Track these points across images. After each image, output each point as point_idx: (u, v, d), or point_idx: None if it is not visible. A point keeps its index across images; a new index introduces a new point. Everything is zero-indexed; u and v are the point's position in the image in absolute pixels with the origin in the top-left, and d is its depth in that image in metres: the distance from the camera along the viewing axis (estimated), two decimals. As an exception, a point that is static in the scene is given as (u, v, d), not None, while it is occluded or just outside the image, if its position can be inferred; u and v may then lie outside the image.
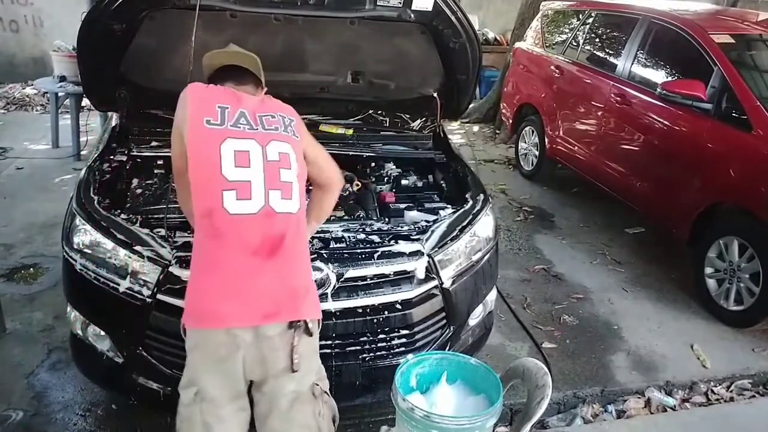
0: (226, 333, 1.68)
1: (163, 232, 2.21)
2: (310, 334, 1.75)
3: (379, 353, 2.26)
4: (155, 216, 2.38)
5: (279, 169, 1.76)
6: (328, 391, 1.89)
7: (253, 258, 1.69)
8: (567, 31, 5.59)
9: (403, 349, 2.28)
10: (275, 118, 1.84)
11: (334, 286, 2.13)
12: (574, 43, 5.33)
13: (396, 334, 2.27)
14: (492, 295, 2.69)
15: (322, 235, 2.29)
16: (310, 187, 2.08)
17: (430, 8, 2.63)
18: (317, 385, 1.83)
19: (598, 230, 4.75)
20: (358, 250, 2.24)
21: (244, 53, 1.96)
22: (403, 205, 2.69)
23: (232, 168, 1.70)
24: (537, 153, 5.66)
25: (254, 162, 1.73)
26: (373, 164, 3.00)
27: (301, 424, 1.79)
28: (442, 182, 2.95)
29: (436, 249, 2.33)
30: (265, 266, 1.71)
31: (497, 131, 7.26)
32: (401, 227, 2.45)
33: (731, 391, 3.06)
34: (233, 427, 1.76)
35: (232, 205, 1.69)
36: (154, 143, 2.78)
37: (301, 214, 1.82)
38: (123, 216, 2.28)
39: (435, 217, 2.53)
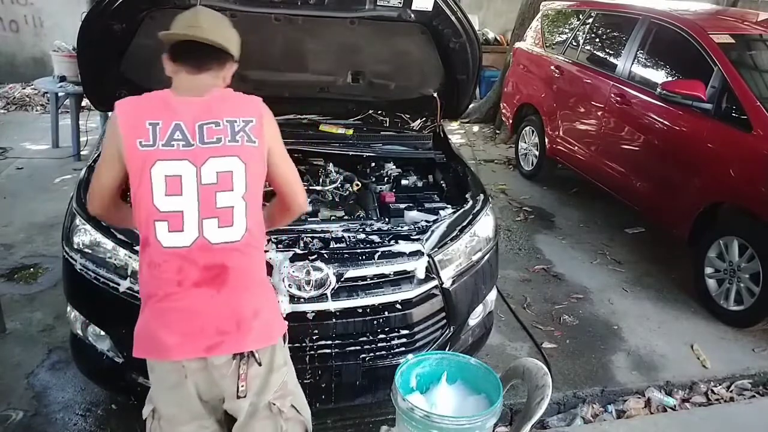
0: (171, 364, 1.63)
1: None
2: (260, 364, 1.64)
3: (379, 353, 2.26)
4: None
5: (215, 193, 1.56)
6: (298, 407, 1.81)
7: (193, 290, 1.58)
8: (567, 31, 5.59)
9: (403, 349, 2.28)
10: (220, 126, 1.57)
11: (334, 286, 2.13)
12: (574, 43, 5.33)
13: (396, 334, 2.27)
14: (492, 295, 2.69)
15: (322, 235, 2.29)
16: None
17: (430, 8, 2.63)
18: (274, 404, 1.71)
19: (598, 230, 4.75)
20: (358, 250, 2.24)
21: (205, 22, 1.62)
22: (403, 205, 2.69)
23: (163, 197, 1.53)
24: (537, 153, 5.66)
25: (187, 188, 1.54)
26: (373, 164, 3.00)
27: None
28: (442, 182, 2.95)
29: (436, 249, 2.33)
30: (207, 297, 1.59)
31: (497, 131, 7.26)
32: (401, 227, 2.45)
33: (731, 391, 3.06)
34: None
35: (165, 238, 1.56)
36: (154, 143, 2.78)
37: (250, 237, 1.62)
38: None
39: (435, 217, 2.53)
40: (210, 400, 1.69)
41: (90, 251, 2.19)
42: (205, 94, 1.60)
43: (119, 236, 2.15)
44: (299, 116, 3.10)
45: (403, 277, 2.25)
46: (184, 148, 1.54)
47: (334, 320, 2.16)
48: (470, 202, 2.61)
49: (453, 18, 2.69)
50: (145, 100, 1.59)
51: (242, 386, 1.63)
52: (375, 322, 2.22)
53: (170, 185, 1.54)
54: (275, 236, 2.23)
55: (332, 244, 2.25)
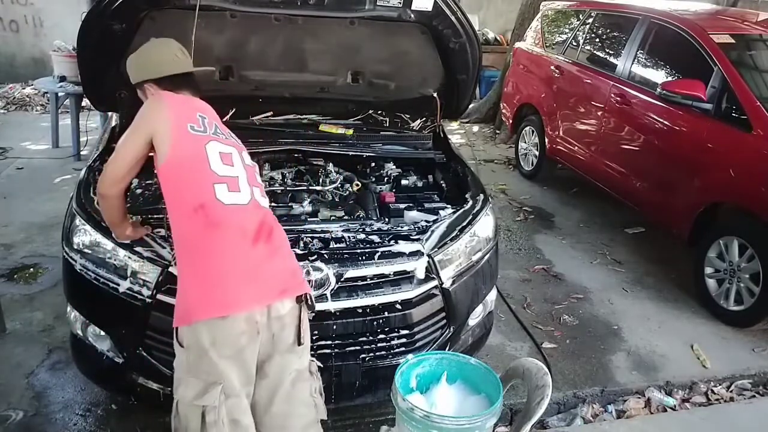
0: (246, 320, 1.72)
1: (163, 232, 2.21)
2: (311, 308, 1.88)
3: (379, 353, 2.26)
4: (155, 216, 2.38)
5: (254, 172, 1.97)
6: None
7: (255, 244, 1.79)
8: (567, 31, 5.60)
9: (403, 349, 2.28)
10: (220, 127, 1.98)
11: (334, 287, 2.13)
12: (574, 43, 5.33)
13: (396, 334, 2.27)
14: (492, 295, 2.69)
15: (322, 235, 2.29)
16: None
17: (430, 8, 2.63)
18: (312, 361, 1.96)
19: (598, 230, 4.75)
20: (358, 250, 2.24)
21: (183, 56, 2.05)
22: (403, 205, 2.69)
23: (220, 165, 1.83)
24: (537, 153, 5.66)
25: (236, 163, 1.89)
26: (373, 164, 3.00)
27: (302, 402, 1.89)
28: (442, 182, 2.95)
29: (436, 249, 2.33)
30: (267, 250, 1.82)
31: (497, 131, 7.26)
32: (401, 227, 2.45)
33: (731, 391, 3.06)
34: (250, 417, 1.80)
35: (226, 197, 1.79)
36: (154, 143, 2.78)
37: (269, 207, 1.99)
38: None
39: (435, 217, 2.53)
40: (259, 364, 1.81)
41: (90, 251, 2.19)
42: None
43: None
44: (299, 116, 3.11)
45: (403, 277, 2.25)
46: (227, 139, 1.93)
47: (333, 320, 2.16)
48: (470, 202, 2.61)
49: (453, 18, 2.69)
50: (187, 98, 1.98)
51: (303, 331, 1.85)
52: (375, 322, 2.22)
53: (224, 158, 1.85)
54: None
55: (332, 244, 2.25)
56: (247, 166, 1.93)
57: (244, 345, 1.73)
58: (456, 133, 7.15)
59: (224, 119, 2.89)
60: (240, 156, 1.93)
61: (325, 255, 2.17)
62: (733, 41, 3.93)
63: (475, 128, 7.53)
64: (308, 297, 1.87)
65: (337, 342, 2.20)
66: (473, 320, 2.57)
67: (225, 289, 1.72)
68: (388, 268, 2.22)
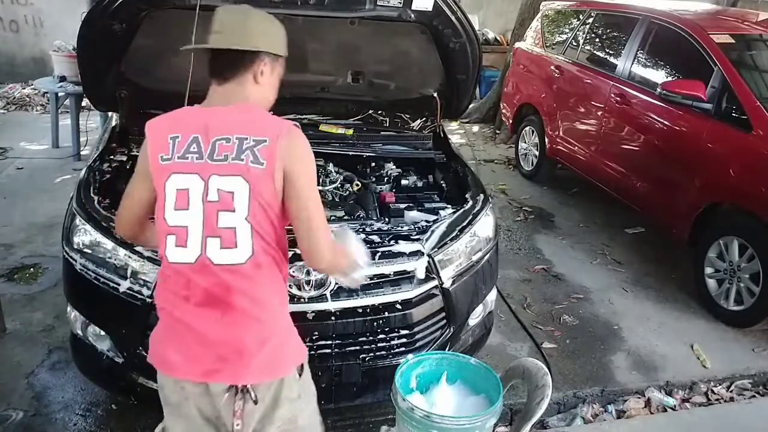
0: (174, 382, 1.56)
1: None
2: (255, 402, 1.52)
3: (379, 353, 2.26)
4: (155, 216, 2.38)
5: (218, 212, 1.46)
6: None
7: (198, 309, 1.50)
8: (567, 31, 5.59)
9: (403, 349, 2.28)
10: (230, 142, 1.47)
11: (334, 287, 2.13)
12: (574, 43, 5.33)
13: (396, 334, 2.27)
14: (492, 295, 2.69)
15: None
16: None
17: (430, 8, 2.63)
18: None
19: (598, 230, 4.75)
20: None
21: (220, 25, 1.55)
22: (403, 205, 2.69)
23: (173, 211, 1.49)
24: (537, 153, 5.66)
25: (193, 202, 1.48)
26: (373, 164, 3.00)
27: None
28: (442, 182, 2.95)
29: (436, 249, 2.33)
30: (211, 320, 1.50)
31: (497, 131, 7.26)
32: (401, 227, 2.44)
33: (731, 391, 3.06)
34: None
35: (172, 253, 1.50)
36: (154, 143, 2.78)
37: (258, 261, 1.49)
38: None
39: (435, 217, 2.53)
40: (216, 423, 1.58)
41: (90, 251, 2.18)
42: (231, 104, 1.54)
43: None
44: (299, 116, 3.10)
45: (403, 277, 2.25)
46: (197, 161, 1.48)
47: (333, 320, 2.16)
48: (470, 202, 2.61)
49: (453, 18, 2.69)
50: (171, 115, 1.56)
51: (237, 424, 1.52)
52: (375, 322, 2.22)
53: (179, 199, 1.49)
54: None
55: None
56: (208, 204, 1.46)
57: (175, 402, 1.58)
58: (456, 133, 7.15)
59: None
60: (204, 188, 1.47)
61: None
62: (733, 41, 3.93)
63: (475, 128, 7.53)
64: (246, 390, 1.51)
65: (337, 342, 2.19)
66: (473, 320, 2.57)
67: (157, 347, 1.59)
68: (388, 268, 2.22)
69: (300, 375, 1.63)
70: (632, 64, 4.50)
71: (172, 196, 1.49)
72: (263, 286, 1.53)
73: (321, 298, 2.11)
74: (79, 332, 2.30)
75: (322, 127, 3.00)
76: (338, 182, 2.79)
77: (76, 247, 2.21)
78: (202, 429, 1.59)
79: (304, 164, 1.52)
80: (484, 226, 2.55)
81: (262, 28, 1.57)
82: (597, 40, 5.28)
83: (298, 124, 1.57)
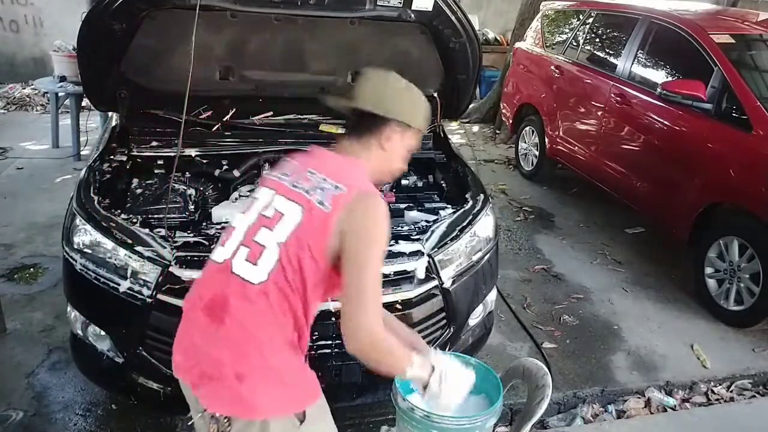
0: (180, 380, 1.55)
1: (163, 232, 2.21)
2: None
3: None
4: (155, 216, 2.38)
5: (262, 226, 1.47)
6: None
7: (201, 315, 1.47)
8: (567, 31, 5.59)
9: (403, 349, 2.28)
10: (314, 176, 1.49)
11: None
12: (574, 43, 5.33)
13: (396, 334, 2.27)
14: (492, 295, 2.69)
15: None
16: None
17: (430, 8, 2.63)
18: None
19: (598, 230, 4.75)
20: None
21: (362, 88, 1.60)
22: (403, 205, 2.69)
23: (239, 213, 1.56)
24: (537, 153, 5.66)
25: (252, 210, 1.52)
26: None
27: None
28: (442, 182, 2.95)
29: (436, 249, 2.33)
30: (208, 331, 1.45)
31: (497, 131, 7.26)
32: (401, 227, 2.44)
33: (731, 391, 3.06)
34: None
35: (215, 250, 1.54)
36: (154, 143, 2.78)
37: (267, 291, 1.41)
38: (123, 216, 2.28)
39: (435, 217, 2.53)
40: None
41: (90, 251, 2.18)
42: (345, 155, 1.57)
43: (119, 236, 2.14)
44: (299, 116, 3.11)
45: (403, 277, 2.25)
46: (282, 179, 1.53)
47: (334, 320, 2.16)
48: (470, 202, 2.61)
49: (453, 18, 2.69)
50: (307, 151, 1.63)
51: None
52: (375, 322, 2.21)
53: (248, 204, 1.56)
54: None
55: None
56: (259, 217, 1.49)
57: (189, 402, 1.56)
58: (456, 133, 7.15)
59: (224, 119, 2.92)
60: (267, 203, 1.50)
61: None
62: (733, 41, 3.93)
63: (475, 128, 7.53)
64: (217, 419, 1.43)
65: (337, 342, 2.19)
66: (473, 320, 2.57)
67: (175, 342, 1.56)
68: (388, 268, 2.21)
69: (301, 422, 1.47)
70: (632, 64, 4.50)
71: (248, 202, 1.57)
72: (260, 317, 1.43)
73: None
74: (79, 332, 2.30)
75: (322, 127, 3.00)
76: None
77: (76, 247, 2.21)
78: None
79: (369, 229, 1.44)
80: (484, 226, 2.55)
81: (400, 96, 1.60)
82: (597, 40, 5.28)
83: (384, 193, 1.55)
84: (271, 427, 1.43)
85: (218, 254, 1.52)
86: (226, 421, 1.43)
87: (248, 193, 2.65)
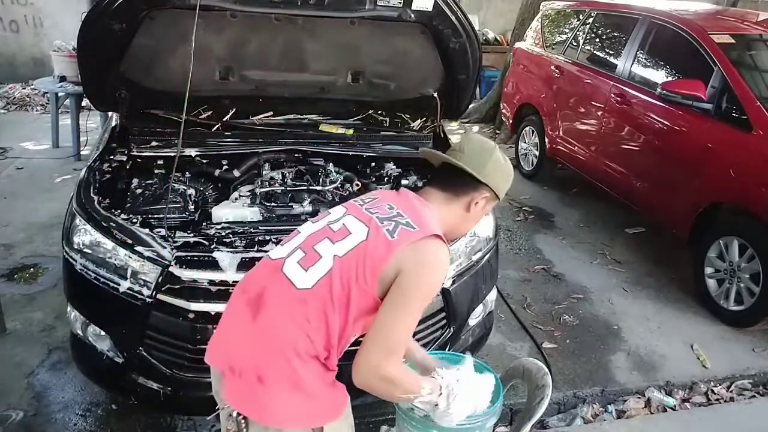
0: (212, 370, 1.56)
1: (163, 232, 2.21)
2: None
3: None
4: (155, 216, 2.38)
5: (325, 237, 1.49)
6: None
7: (243, 306, 1.49)
8: (567, 31, 5.59)
9: (403, 349, 2.28)
10: (392, 209, 1.52)
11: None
12: (574, 43, 5.33)
13: (396, 334, 2.27)
14: (492, 295, 2.69)
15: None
16: None
17: (430, 8, 2.63)
18: None
19: (598, 230, 4.75)
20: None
21: (467, 148, 1.63)
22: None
23: (310, 223, 1.60)
24: (537, 153, 5.66)
25: (320, 222, 1.56)
26: (373, 164, 3.00)
27: None
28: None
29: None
30: (245, 322, 1.46)
31: (497, 131, 7.26)
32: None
33: (731, 391, 3.06)
34: None
35: (274, 248, 1.59)
36: (154, 143, 2.78)
37: (308, 302, 1.42)
38: (123, 216, 2.28)
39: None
40: None
41: (90, 251, 2.18)
42: (427, 203, 1.58)
43: (119, 236, 2.14)
44: (299, 116, 3.11)
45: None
46: (358, 205, 1.57)
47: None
48: (470, 202, 2.60)
49: (453, 18, 2.69)
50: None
51: None
52: (375, 322, 2.21)
53: (319, 216, 1.62)
54: (275, 236, 2.23)
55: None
56: (323, 228, 1.52)
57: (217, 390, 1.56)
58: (456, 133, 7.14)
59: (224, 119, 2.92)
60: (336, 219, 1.54)
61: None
62: (733, 41, 3.93)
63: (475, 128, 7.53)
64: (237, 418, 1.44)
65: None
66: (473, 320, 2.57)
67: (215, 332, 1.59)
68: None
69: None
70: (632, 64, 4.50)
71: (322, 214, 1.62)
72: (291, 323, 1.42)
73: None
74: (79, 332, 2.30)
75: (322, 127, 3.00)
76: (338, 182, 2.79)
77: (76, 247, 2.21)
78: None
79: (425, 275, 1.44)
80: (484, 226, 2.54)
81: (499, 168, 1.63)
82: (597, 40, 5.28)
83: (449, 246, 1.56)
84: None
85: (275, 252, 1.56)
86: (243, 420, 1.44)
87: (248, 193, 2.65)
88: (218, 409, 1.58)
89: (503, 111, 6.46)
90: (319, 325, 1.43)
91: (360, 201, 1.60)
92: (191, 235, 2.28)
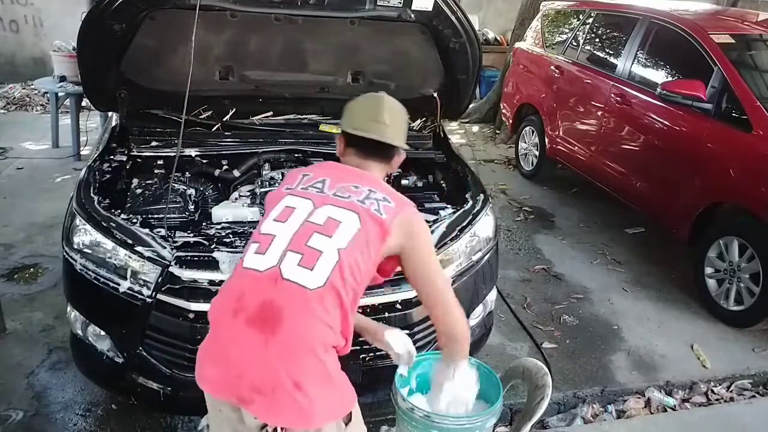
0: (213, 399, 1.53)
1: (163, 232, 2.21)
2: None
3: (379, 353, 2.25)
4: (155, 216, 2.38)
5: (314, 232, 1.50)
6: None
7: (244, 327, 1.45)
8: (567, 31, 5.59)
9: (403, 349, 2.28)
10: (358, 189, 1.59)
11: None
12: (574, 43, 5.33)
13: (396, 334, 2.27)
14: (492, 295, 2.69)
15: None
16: None
17: (430, 8, 2.63)
18: None
19: (598, 230, 4.75)
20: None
21: (388, 118, 1.73)
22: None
23: (271, 221, 1.56)
24: (537, 153, 5.66)
25: (294, 218, 1.54)
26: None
27: None
28: (442, 182, 2.94)
29: (436, 249, 2.32)
30: (254, 344, 1.43)
31: (497, 131, 7.26)
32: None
33: (731, 391, 3.06)
34: None
35: (249, 258, 1.52)
36: (154, 143, 2.78)
37: (323, 296, 1.45)
38: (123, 216, 2.28)
39: (435, 217, 2.53)
40: None
41: (90, 251, 2.18)
42: (375, 175, 1.73)
43: (119, 236, 2.14)
44: (299, 116, 3.11)
45: (403, 277, 2.24)
46: (316, 193, 1.60)
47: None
48: (470, 202, 2.61)
49: (453, 18, 2.69)
50: (316, 165, 1.82)
51: None
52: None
53: (282, 213, 1.58)
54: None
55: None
56: (306, 224, 1.52)
57: (212, 416, 1.57)
58: (456, 133, 7.15)
59: (224, 119, 2.92)
60: (311, 212, 1.55)
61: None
62: (733, 41, 3.93)
63: (475, 128, 7.53)
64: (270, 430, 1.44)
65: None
66: (473, 320, 2.57)
67: (200, 359, 1.54)
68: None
69: (347, 423, 1.55)
70: (632, 64, 4.50)
71: (277, 210, 1.59)
72: (314, 322, 1.45)
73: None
74: (79, 332, 2.30)
75: (322, 127, 3.00)
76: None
77: (76, 247, 2.21)
78: None
79: (422, 239, 1.66)
80: (484, 226, 2.54)
81: (406, 128, 1.83)
82: (597, 40, 5.28)
83: None
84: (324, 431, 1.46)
85: (257, 262, 1.50)
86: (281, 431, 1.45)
87: (248, 193, 2.65)
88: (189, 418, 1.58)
89: (503, 111, 6.46)
90: (337, 315, 1.48)
91: (315, 187, 1.63)
92: (191, 235, 2.28)
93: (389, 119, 1.73)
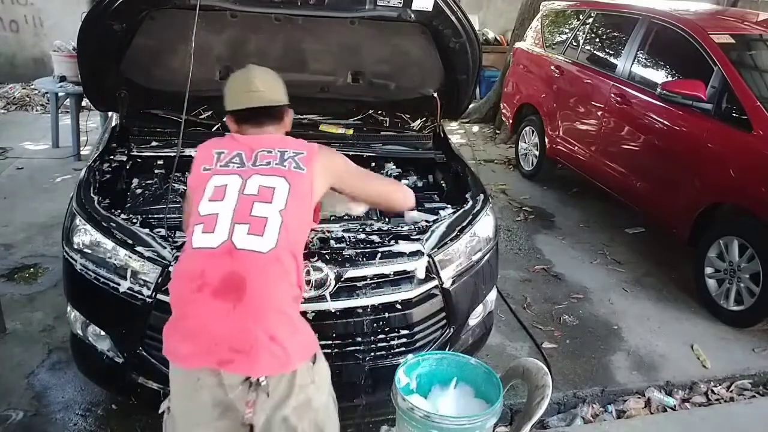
0: (187, 372, 1.62)
1: (163, 232, 2.21)
2: (267, 395, 1.57)
3: (379, 353, 2.26)
4: (155, 216, 2.38)
5: (253, 202, 1.64)
6: (320, 425, 1.72)
7: (211, 300, 1.56)
8: (567, 31, 5.60)
9: (403, 349, 2.28)
10: (272, 153, 1.74)
11: (334, 287, 2.13)
12: (574, 43, 5.33)
13: (396, 334, 2.27)
14: (492, 295, 2.69)
15: (322, 235, 2.29)
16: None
17: (430, 8, 2.63)
18: (288, 419, 1.62)
19: (598, 230, 4.75)
20: (358, 250, 2.24)
21: (261, 84, 1.83)
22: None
23: (207, 202, 1.67)
24: (537, 153, 5.66)
25: (229, 195, 1.66)
26: (373, 164, 2.99)
27: None
28: (442, 182, 2.95)
29: (436, 249, 2.32)
30: (223, 312, 1.55)
31: (497, 131, 7.27)
32: (401, 227, 2.44)
33: (731, 391, 3.06)
34: None
35: (197, 238, 1.63)
36: (154, 143, 2.78)
37: (277, 254, 1.60)
38: (123, 216, 2.28)
39: (435, 217, 2.53)
40: (227, 409, 1.61)
41: (90, 251, 2.18)
42: (265, 134, 1.84)
43: (119, 236, 2.14)
44: (299, 116, 3.10)
45: (403, 277, 2.25)
46: (238, 168, 1.71)
47: (333, 320, 2.16)
48: (470, 202, 2.61)
49: (453, 18, 2.69)
50: (218, 139, 1.84)
51: (248, 413, 1.58)
52: (375, 322, 2.21)
53: (215, 193, 1.67)
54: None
55: (332, 244, 2.25)
56: (243, 197, 1.65)
57: (186, 393, 1.65)
58: (456, 133, 7.15)
59: (224, 119, 2.92)
60: (242, 185, 1.67)
61: (325, 255, 2.17)
62: (733, 41, 3.93)
63: (475, 128, 7.53)
64: (259, 383, 1.56)
65: (337, 342, 2.19)
66: (473, 320, 2.57)
67: (169, 339, 1.64)
68: (388, 268, 2.21)
69: (313, 363, 1.69)
70: (632, 64, 4.50)
71: (209, 191, 1.68)
72: (278, 281, 1.61)
73: (321, 298, 2.11)
74: (79, 332, 2.30)
75: (322, 127, 3.00)
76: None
77: (76, 247, 2.21)
78: (211, 413, 1.62)
79: (339, 164, 1.88)
80: (484, 226, 2.55)
81: (282, 86, 1.90)
82: (597, 40, 5.28)
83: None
84: (297, 375, 1.62)
85: (208, 241, 1.61)
86: (264, 381, 1.56)
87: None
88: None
89: (503, 111, 6.47)
90: (292, 267, 1.65)
91: (242, 164, 1.72)
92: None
93: (262, 85, 1.84)
